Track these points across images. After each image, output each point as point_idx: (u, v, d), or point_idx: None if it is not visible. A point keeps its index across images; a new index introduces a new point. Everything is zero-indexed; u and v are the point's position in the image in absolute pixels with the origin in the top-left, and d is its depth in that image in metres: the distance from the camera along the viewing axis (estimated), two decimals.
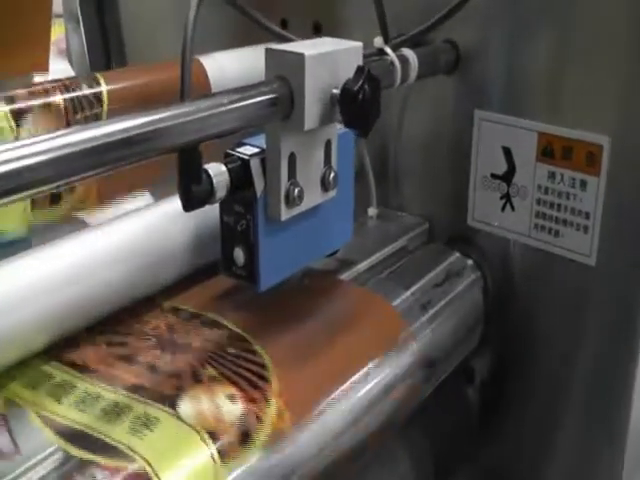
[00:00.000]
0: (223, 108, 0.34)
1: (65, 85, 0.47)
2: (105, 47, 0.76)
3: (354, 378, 0.41)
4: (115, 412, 0.36)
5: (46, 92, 0.46)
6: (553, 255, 0.53)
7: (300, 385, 0.40)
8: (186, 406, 0.36)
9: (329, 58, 0.37)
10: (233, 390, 0.37)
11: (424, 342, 0.48)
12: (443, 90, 0.57)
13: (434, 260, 0.57)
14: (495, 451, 0.63)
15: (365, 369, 0.42)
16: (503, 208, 0.55)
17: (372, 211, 0.62)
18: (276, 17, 0.58)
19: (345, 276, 0.53)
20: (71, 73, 0.74)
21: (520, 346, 0.58)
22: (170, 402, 0.36)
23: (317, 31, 0.63)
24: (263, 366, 0.40)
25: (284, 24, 0.63)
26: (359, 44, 0.39)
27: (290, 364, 0.40)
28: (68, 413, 0.36)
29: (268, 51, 0.37)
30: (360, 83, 0.36)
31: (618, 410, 0.54)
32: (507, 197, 0.54)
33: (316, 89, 0.37)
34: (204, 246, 0.46)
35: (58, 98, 0.46)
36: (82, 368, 0.39)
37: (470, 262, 0.58)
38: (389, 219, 0.63)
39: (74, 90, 0.47)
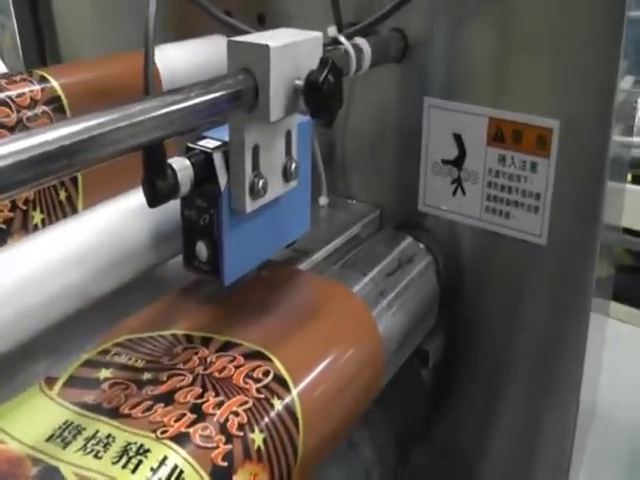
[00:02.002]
0: (190, 102, 0.34)
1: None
2: (39, 44, 0.74)
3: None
4: None
5: None
6: (504, 236, 0.55)
7: None
8: None
9: (292, 49, 0.37)
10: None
11: (386, 326, 0.49)
12: (391, 78, 0.57)
13: (388, 246, 0.58)
14: (447, 429, 0.65)
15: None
16: (454, 193, 0.56)
17: (323, 200, 0.63)
18: (219, 8, 0.57)
19: (303, 266, 0.53)
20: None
21: (471, 326, 0.60)
22: None
23: (261, 22, 0.62)
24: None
25: (228, 15, 0.62)
26: (319, 34, 0.39)
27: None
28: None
29: (230, 43, 0.37)
30: (324, 74, 0.37)
31: (566, 387, 0.56)
32: (458, 182, 0.56)
33: (280, 80, 0.37)
34: (165, 242, 0.46)
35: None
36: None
37: (422, 246, 0.59)
38: (340, 207, 0.64)
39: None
